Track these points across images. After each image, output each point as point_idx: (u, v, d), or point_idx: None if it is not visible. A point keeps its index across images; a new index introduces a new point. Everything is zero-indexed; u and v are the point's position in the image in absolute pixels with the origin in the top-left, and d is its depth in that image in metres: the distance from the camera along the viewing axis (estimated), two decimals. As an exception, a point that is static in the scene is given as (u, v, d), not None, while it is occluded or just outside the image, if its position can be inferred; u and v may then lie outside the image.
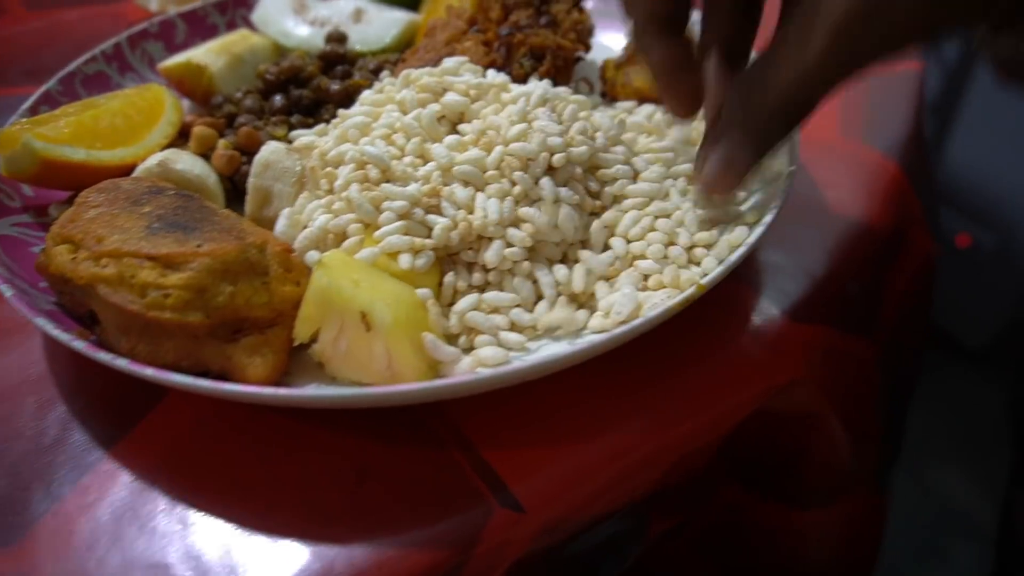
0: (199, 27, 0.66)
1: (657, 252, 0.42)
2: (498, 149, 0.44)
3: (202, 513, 0.37)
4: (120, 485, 0.38)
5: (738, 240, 0.43)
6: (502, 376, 0.36)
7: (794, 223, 0.52)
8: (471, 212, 0.43)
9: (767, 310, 0.47)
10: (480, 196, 0.43)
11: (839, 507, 0.53)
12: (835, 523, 0.54)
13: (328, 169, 0.47)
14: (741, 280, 0.48)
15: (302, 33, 0.65)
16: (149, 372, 0.36)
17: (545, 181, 0.43)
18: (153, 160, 0.48)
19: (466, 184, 0.44)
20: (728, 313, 0.46)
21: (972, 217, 1.43)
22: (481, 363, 0.40)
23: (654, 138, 0.51)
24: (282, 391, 0.35)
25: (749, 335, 0.45)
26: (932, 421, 1.44)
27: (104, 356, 0.37)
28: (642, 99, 0.58)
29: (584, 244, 0.44)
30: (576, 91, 0.57)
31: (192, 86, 0.58)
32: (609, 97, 0.59)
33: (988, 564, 1.08)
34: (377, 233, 0.42)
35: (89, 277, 0.37)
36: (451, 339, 0.42)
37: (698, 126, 0.55)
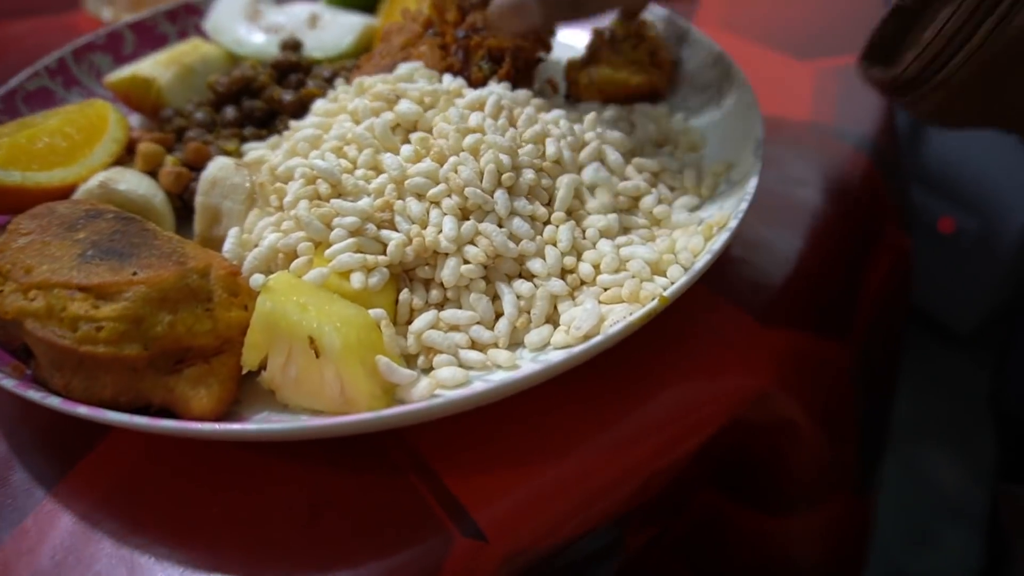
0: (148, 37, 0.64)
1: (617, 264, 0.41)
2: (451, 161, 0.42)
3: (148, 555, 0.35)
4: (62, 527, 0.36)
5: (701, 247, 0.42)
6: (460, 401, 0.35)
7: (762, 222, 0.50)
8: (425, 227, 0.41)
9: (736, 316, 0.45)
10: (435, 211, 0.41)
11: (822, 512, 0.52)
12: (819, 528, 0.53)
13: (278, 185, 0.45)
14: (708, 285, 0.46)
15: (256, 41, 0.63)
16: (82, 411, 0.34)
17: (499, 194, 0.41)
18: (94, 181, 0.46)
19: (420, 197, 0.42)
20: (695, 321, 0.44)
21: (955, 202, 1.43)
22: (440, 385, 0.38)
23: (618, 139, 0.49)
24: (223, 427, 0.33)
25: (718, 343, 0.44)
26: (922, 407, 1.43)
27: (34, 395, 0.35)
28: (607, 99, 0.56)
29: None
30: (540, 92, 0.56)
31: (139, 100, 0.56)
32: (573, 97, 0.57)
33: (979, 550, 1.07)
34: (327, 252, 0.40)
35: (16, 311, 0.35)
36: (409, 360, 0.40)
37: (664, 125, 0.54)
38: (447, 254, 0.41)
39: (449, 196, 0.42)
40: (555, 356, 0.36)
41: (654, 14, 0.60)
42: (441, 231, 0.41)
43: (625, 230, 0.45)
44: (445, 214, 0.41)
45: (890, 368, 0.60)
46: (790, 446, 0.46)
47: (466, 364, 0.39)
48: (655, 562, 0.54)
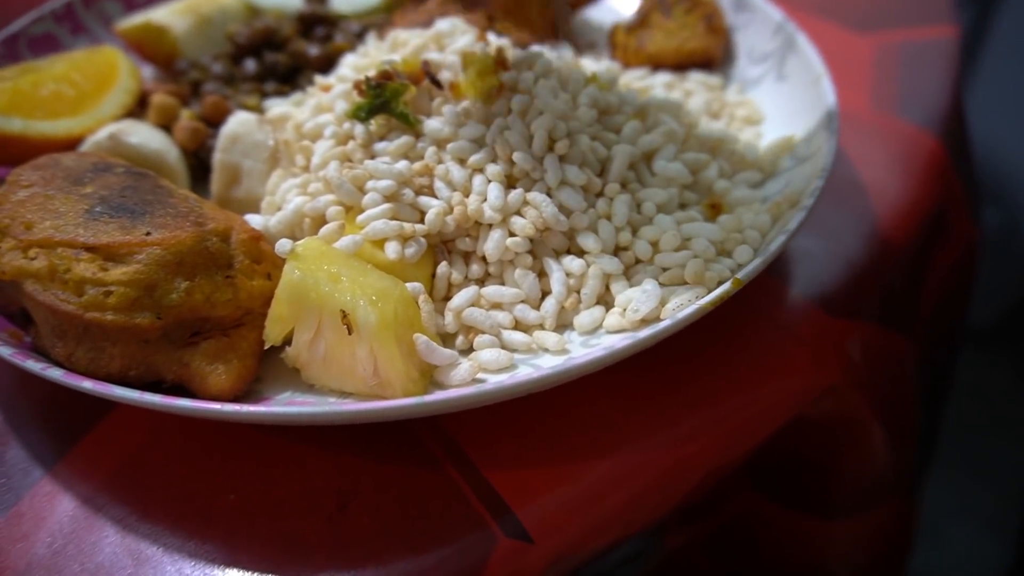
0: (163, -16, 0.59)
1: (678, 242, 0.37)
2: (497, 123, 0.38)
3: (156, 546, 0.32)
4: (61, 512, 0.33)
5: (769, 226, 0.38)
6: (509, 389, 0.31)
7: (827, 205, 0.46)
8: (468, 194, 0.37)
9: (801, 304, 0.41)
10: (478, 177, 0.37)
11: (872, 516, 0.49)
12: (864, 532, 0.50)
13: (304, 143, 0.41)
14: (770, 271, 0.42)
15: (278, -8, 0.58)
16: (87, 385, 0.30)
17: (550, 161, 0.37)
18: (103, 132, 0.42)
19: (462, 163, 0.38)
20: (757, 309, 0.41)
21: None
22: (482, 368, 0.35)
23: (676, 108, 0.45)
24: (243, 408, 0.30)
25: (781, 333, 0.40)
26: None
27: (34, 365, 0.31)
28: (656, 65, 0.52)
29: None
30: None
31: (153, 50, 0.52)
32: (620, 63, 0.53)
33: (992, 550, 1.04)
34: (360, 218, 0.36)
35: (14, 272, 0.31)
36: (446, 339, 0.37)
37: (719, 96, 0.50)
38: (491, 225, 0.37)
39: (494, 162, 0.38)
40: (615, 341, 0.32)
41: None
42: (485, 199, 0.37)
43: (681, 206, 0.41)
44: (490, 181, 0.37)
45: (949, 366, 0.57)
46: (850, 446, 0.43)
47: (510, 346, 0.36)
48: (689, 562, 0.51)
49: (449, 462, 0.34)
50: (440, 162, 0.39)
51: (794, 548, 0.50)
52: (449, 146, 0.38)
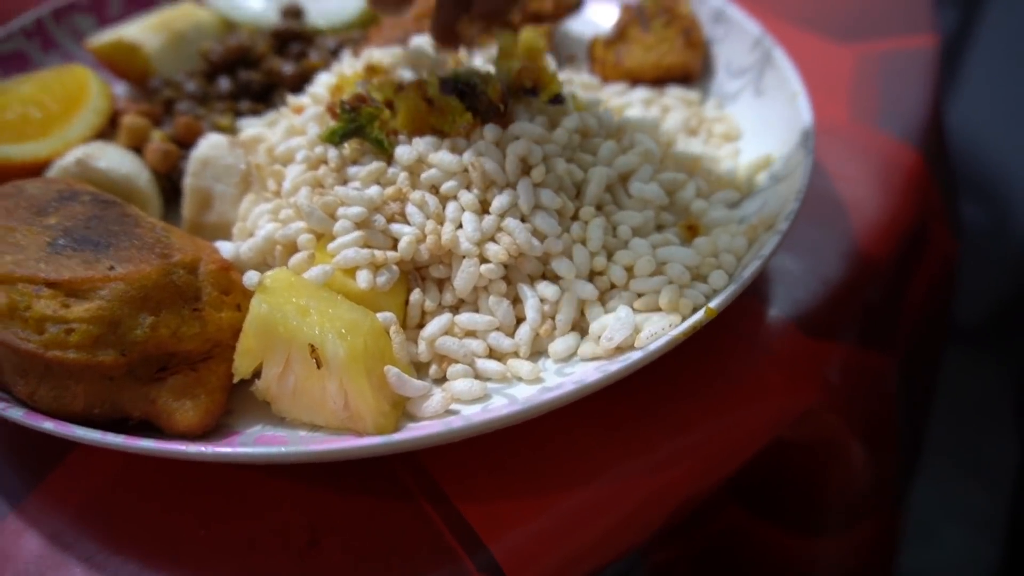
0: (136, -1, 0.59)
1: (653, 268, 0.37)
2: (472, 148, 0.37)
3: (124, 585, 0.31)
4: (27, 550, 0.32)
5: (745, 250, 0.38)
6: (481, 425, 0.31)
7: (806, 222, 0.46)
8: (442, 222, 0.37)
9: (778, 325, 0.41)
10: (451, 204, 0.37)
11: (856, 532, 0.49)
12: (849, 548, 0.50)
13: (276, 167, 0.40)
14: (748, 291, 0.42)
15: (255, 7, 0.57)
16: (48, 426, 0.30)
17: (523, 185, 0.37)
18: (71, 157, 0.41)
19: (435, 189, 0.38)
20: (735, 330, 0.40)
21: (965, 192, 1.39)
22: (455, 399, 0.34)
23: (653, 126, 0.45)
24: (210, 449, 0.29)
25: (759, 355, 0.40)
26: (922, 403, 1.40)
27: (-6, 407, 0.30)
28: (635, 80, 0.52)
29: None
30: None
31: (125, 68, 0.51)
32: (599, 78, 0.53)
33: (981, 550, 1.05)
34: (331, 246, 0.36)
35: (-27, 310, 0.31)
36: (420, 368, 0.36)
37: (698, 111, 0.50)
38: (464, 256, 0.37)
39: (468, 188, 0.37)
40: (588, 373, 0.32)
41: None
42: (460, 227, 0.36)
43: (658, 227, 0.40)
44: (464, 210, 0.37)
45: (931, 378, 0.57)
46: (831, 465, 0.43)
47: (484, 375, 0.35)
48: (674, 578, 0.51)
49: (422, 495, 0.34)
50: (413, 187, 0.38)
51: (779, 565, 0.50)
52: (423, 175, 0.38)
